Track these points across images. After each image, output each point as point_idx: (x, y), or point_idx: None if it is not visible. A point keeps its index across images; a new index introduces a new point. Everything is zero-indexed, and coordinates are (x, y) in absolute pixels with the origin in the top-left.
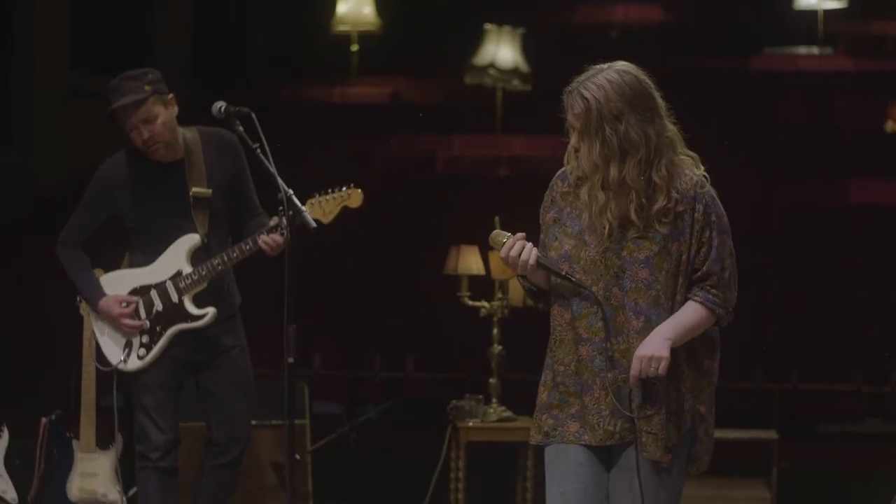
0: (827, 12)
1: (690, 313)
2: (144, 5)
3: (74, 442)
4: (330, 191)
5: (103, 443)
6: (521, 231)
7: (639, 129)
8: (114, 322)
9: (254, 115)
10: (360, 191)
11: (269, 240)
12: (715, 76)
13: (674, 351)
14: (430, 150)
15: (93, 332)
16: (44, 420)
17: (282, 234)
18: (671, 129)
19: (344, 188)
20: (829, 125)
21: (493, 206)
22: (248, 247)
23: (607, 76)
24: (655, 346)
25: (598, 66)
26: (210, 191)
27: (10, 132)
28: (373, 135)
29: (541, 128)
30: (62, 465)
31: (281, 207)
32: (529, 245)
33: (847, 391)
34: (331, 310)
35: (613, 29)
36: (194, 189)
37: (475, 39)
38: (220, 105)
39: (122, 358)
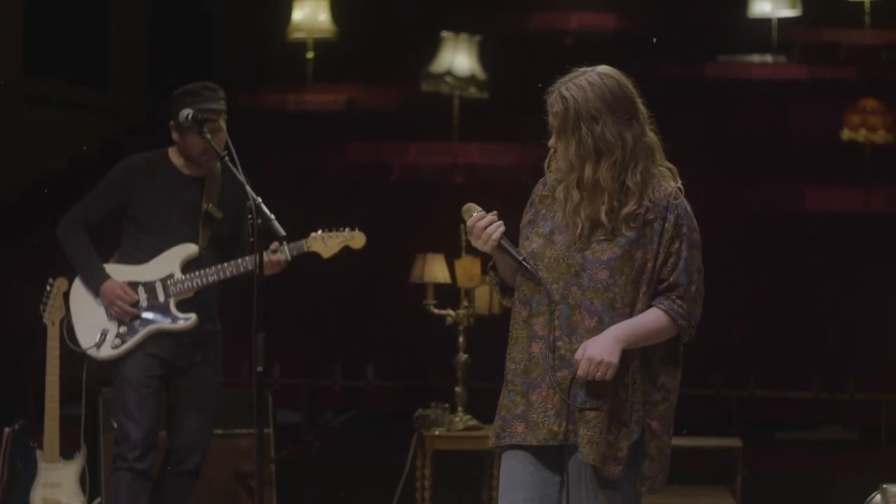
0: (781, 20)
1: (651, 318)
2: (101, 12)
3: (38, 452)
4: (335, 229)
5: (67, 453)
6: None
7: (615, 131)
8: (109, 304)
9: (221, 123)
10: (363, 234)
11: (274, 259)
12: (670, 83)
13: (627, 359)
14: (387, 157)
15: (67, 314)
16: (7, 430)
17: (283, 256)
18: (651, 136)
19: (348, 229)
20: (784, 132)
21: (450, 213)
22: (243, 264)
23: (588, 78)
24: (605, 349)
25: (581, 69)
26: (221, 214)
27: None
28: (329, 142)
29: (497, 135)
30: (25, 475)
31: (250, 216)
32: (500, 223)
33: (805, 398)
34: (291, 318)
35: (568, 36)
36: (209, 206)
37: (432, 47)
38: (186, 112)
39: (96, 343)
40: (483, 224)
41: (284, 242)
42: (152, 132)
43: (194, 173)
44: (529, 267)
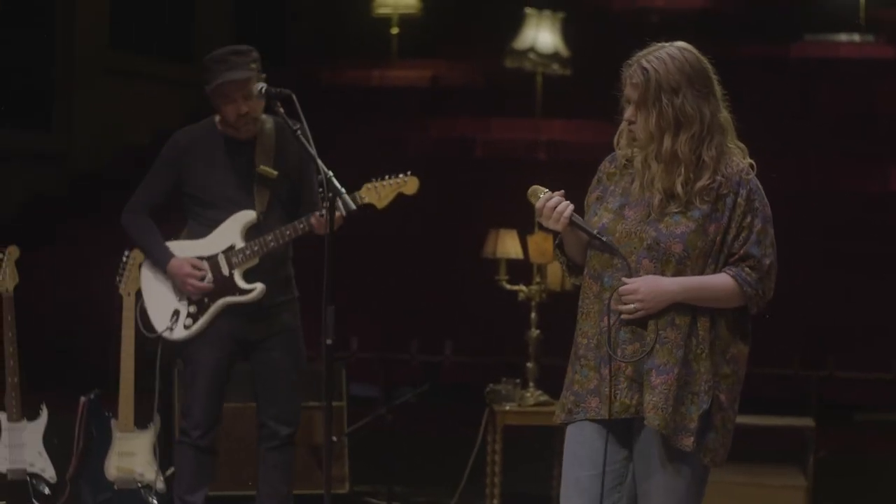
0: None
1: (716, 280)
2: None
3: (113, 421)
4: (387, 176)
5: (141, 422)
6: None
7: (695, 104)
8: (179, 283)
9: (294, 97)
10: (416, 178)
11: (322, 219)
12: (755, 63)
13: (695, 329)
14: (469, 133)
15: (140, 300)
16: (83, 399)
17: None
18: (725, 114)
19: (401, 175)
20: (869, 112)
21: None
22: (301, 225)
23: (668, 51)
24: (655, 296)
25: (659, 44)
26: (276, 173)
27: (50, 113)
28: (412, 118)
29: (580, 112)
30: (100, 444)
31: (321, 189)
32: (568, 202)
33: (884, 379)
34: (369, 292)
35: (653, 14)
36: (261, 167)
37: (515, 23)
38: (260, 86)
39: (169, 326)
40: (553, 203)
41: (321, 192)
42: None
43: (242, 136)
44: (605, 239)
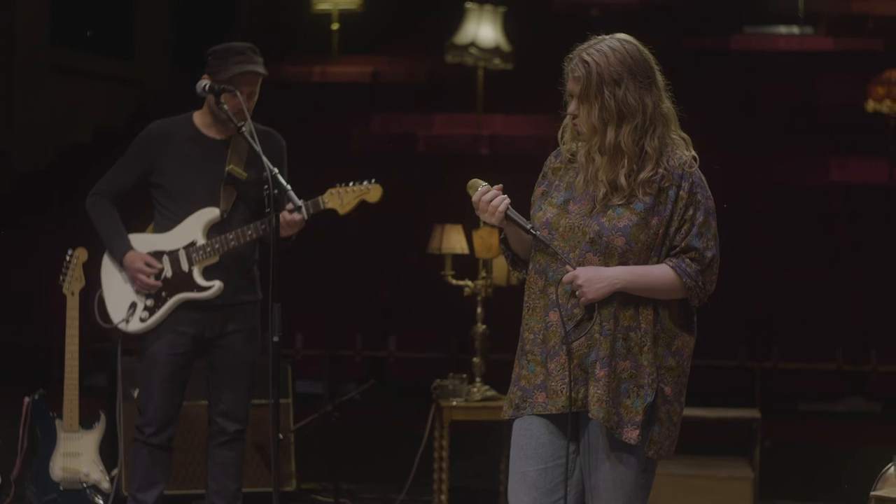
0: None
1: (656, 270)
2: None
3: (58, 421)
4: (350, 183)
5: (87, 422)
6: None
7: (637, 95)
8: (131, 277)
9: (239, 94)
10: (379, 186)
11: (290, 218)
12: (696, 55)
13: (637, 321)
14: (411, 128)
15: (99, 289)
16: (27, 399)
17: (300, 215)
18: (667, 104)
19: (365, 182)
20: (809, 104)
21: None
22: (262, 226)
23: (609, 44)
24: (595, 283)
25: (599, 37)
26: (246, 174)
27: None
28: (354, 114)
29: (522, 107)
30: (45, 444)
31: (266, 186)
32: (505, 196)
33: (828, 369)
34: (313, 289)
35: (594, 8)
36: (231, 167)
37: (456, 18)
38: (204, 83)
39: (125, 317)
40: (489, 197)
41: (265, 189)
42: (177, 102)
43: (219, 136)
44: (539, 235)
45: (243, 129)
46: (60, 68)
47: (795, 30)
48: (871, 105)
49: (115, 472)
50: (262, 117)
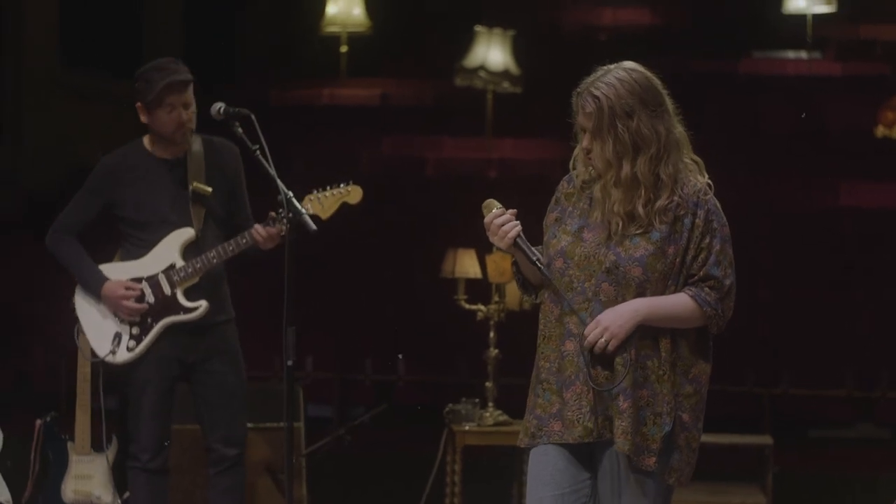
0: (816, 16)
1: (676, 300)
2: (135, 4)
3: (69, 444)
4: (329, 187)
5: (98, 445)
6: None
7: (650, 125)
8: (113, 307)
9: (253, 117)
10: (359, 187)
11: (262, 231)
12: (703, 79)
13: (656, 350)
14: (420, 151)
15: (78, 326)
16: (38, 421)
17: (275, 227)
18: (679, 129)
19: (342, 185)
20: (818, 128)
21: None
22: (243, 240)
23: (616, 75)
24: (617, 319)
25: (605, 67)
26: (210, 189)
27: None
28: (362, 136)
29: (531, 130)
30: (57, 466)
31: (281, 210)
32: (517, 222)
33: (838, 396)
34: (323, 312)
35: (603, 32)
36: (195, 184)
37: (465, 41)
38: (219, 106)
39: (111, 349)
40: (500, 221)
41: (280, 212)
42: None
43: (172, 155)
44: (543, 270)
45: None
46: (70, 89)
47: (803, 54)
48: (880, 131)
49: (126, 495)
50: (270, 139)
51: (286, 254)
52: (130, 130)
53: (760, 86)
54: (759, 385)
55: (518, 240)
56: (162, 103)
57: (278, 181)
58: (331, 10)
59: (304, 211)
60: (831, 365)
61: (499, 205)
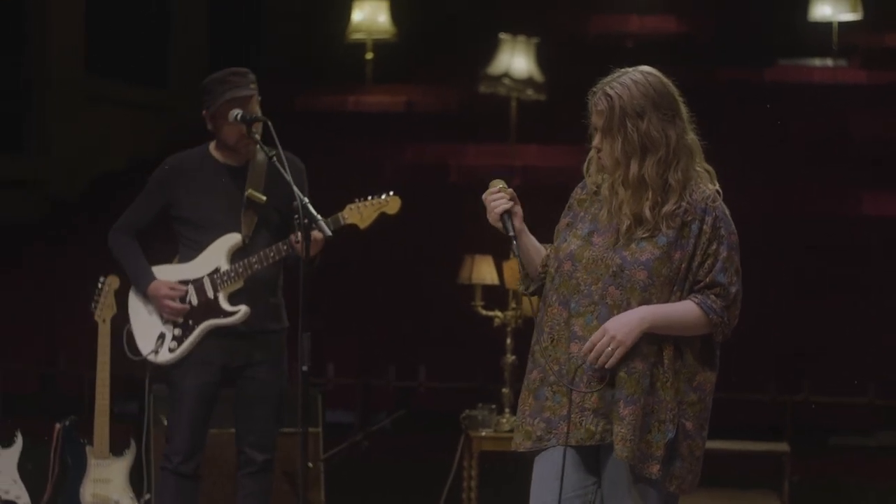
0: (841, 24)
1: (682, 308)
2: (162, 12)
3: (88, 448)
4: (369, 197)
5: (117, 449)
6: (537, 239)
7: (660, 128)
8: (157, 306)
9: (270, 124)
10: (398, 198)
11: (313, 237)
12: (729, 87)
13: (660, 359)
14: (444, 158)
15: (128, 325)
16: (58, 425)
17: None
18: (692, 136)
19: (383, 195)
20: (843, 137)
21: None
22: (284, 247)
23: (632, 76)
24: (623, 328)
25: (623, 69)
26: (265, 198)
27: (25, 138)
28: (387, 143)
29: (555, 137)
30: (76, 470)
31: (296, 216)
32: (508, 200)
33: (859, 404)
34: (345, 318)
35: (628, 39)
36: (250, 191)
37: (490, 49)
38: (236, 112)
39: (154, 349)
40: (493, 197)
41: (295, 218)
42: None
43: (236, 163)
44: (513, 247)
45: (273, 158)
46: (96, 97)
47: (829, 62)
48: None
49: (145, 497)
50: (294, 145)
51: (302, 260)
52: (156, 138)
53: (786, 94)
54: (780, 392)
55: (504, 216)
56: (223, 116)
57: (294, 188)
58: (356, 16)
59: (319, 217)
60: (853, 373)
61: (503, 184)
